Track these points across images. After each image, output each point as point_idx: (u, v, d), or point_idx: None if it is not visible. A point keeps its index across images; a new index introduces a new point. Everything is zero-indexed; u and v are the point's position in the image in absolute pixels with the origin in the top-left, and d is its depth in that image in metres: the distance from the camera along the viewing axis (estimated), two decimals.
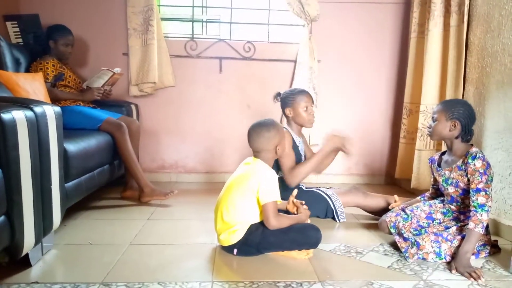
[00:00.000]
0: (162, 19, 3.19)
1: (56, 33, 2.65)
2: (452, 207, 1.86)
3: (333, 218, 2.25)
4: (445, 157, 1.90)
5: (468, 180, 1.73)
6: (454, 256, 1.68)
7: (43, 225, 1.50)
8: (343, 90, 3.25)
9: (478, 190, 1.66)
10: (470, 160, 1.70)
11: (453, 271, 1.60)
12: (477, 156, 1.69)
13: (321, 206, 2.11)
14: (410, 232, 1.82)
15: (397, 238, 1.82)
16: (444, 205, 1.91)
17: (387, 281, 1.49)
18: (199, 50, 3.14)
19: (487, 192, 1.65)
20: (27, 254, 1.49)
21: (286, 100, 2.27)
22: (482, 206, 1.64)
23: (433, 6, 2.63)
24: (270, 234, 1.67)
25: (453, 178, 1.80)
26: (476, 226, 1.62)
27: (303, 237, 1.69)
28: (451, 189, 1.83)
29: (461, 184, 1.77)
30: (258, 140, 1.74)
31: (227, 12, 3.23)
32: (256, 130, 1.75)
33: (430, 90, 2.69)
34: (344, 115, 3.27)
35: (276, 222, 1.66)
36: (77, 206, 2.19)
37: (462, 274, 1.57)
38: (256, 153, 1.78)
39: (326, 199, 2.23)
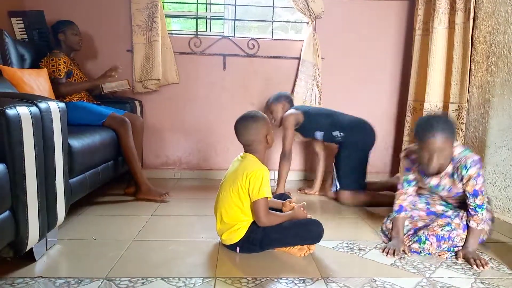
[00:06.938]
0: (166, 16, 3.19)
1: (62, 25, 2.67)
2: (449, 201, 1.87)
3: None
4: None
5: (461, 181, 1.70)
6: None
7: (48, 221, 1.51)
8: (347, 87, 3.24)
9: (475, 193, 1.67)
10: (463, 172, 1.66)
11: (460, 259, 1.67)
12: (470, 166, 1.64)
13: None
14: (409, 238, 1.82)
15: (383, 237, 1.89)
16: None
17: (390, 279, 1.50)
18: (203, 47, 3.14)
19: (483, 193, 1.68)
20: (31, 249, 1.51)
21: None
22: (481, 206, 1.67)
23: (438, 3, 2.61)
24: (272, 231, 1.66)
25: (444, 184, 1.77)
26: (478, 225, 1.68)
27: (305, 232, 1.68)
28: (444, 193, 1.81)
29: (454, 190, 1.76)
30: (248, 133, 1.70)
31: (231, 9, 3.23)
32: (243, 123, 1.72)
33: (434, 88, 2.68)
34: (347, 113, 3.25)
35: (266, 220, 1.64)
36: (81, 202, 2.20)
37: (468, 261, 1.64)
38: (247, 148, 1.74)
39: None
